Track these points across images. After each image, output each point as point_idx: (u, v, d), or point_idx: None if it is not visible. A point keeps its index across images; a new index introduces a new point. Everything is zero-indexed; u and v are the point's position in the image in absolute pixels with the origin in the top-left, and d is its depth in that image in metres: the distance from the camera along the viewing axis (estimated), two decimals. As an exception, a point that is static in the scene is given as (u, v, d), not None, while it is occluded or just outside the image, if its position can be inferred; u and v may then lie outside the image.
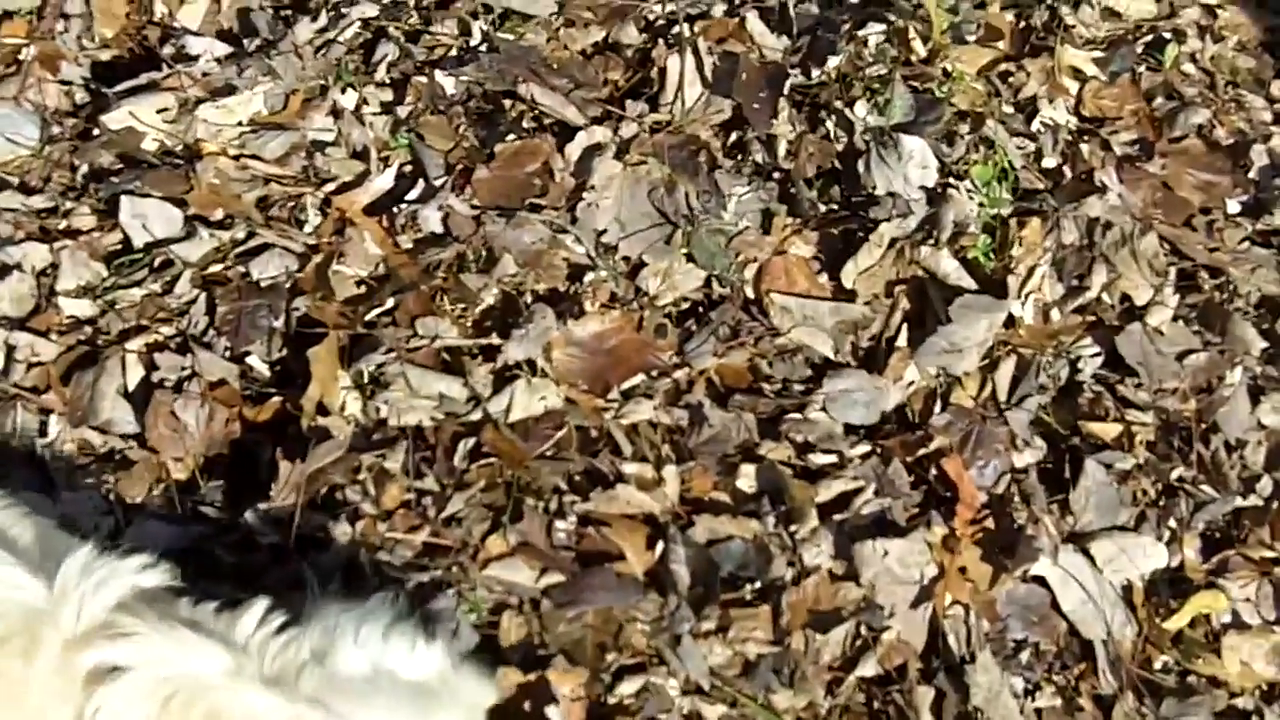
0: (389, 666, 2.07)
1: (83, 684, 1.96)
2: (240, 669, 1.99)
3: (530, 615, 2.74)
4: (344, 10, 3.77)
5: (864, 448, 3.08)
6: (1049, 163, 3.63)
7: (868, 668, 2.74)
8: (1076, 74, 3.81)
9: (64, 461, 3.03)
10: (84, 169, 3.47)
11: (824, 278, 3.37)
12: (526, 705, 2.57)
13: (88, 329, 3.20)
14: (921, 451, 3.07)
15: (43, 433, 3.06)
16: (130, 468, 3.01)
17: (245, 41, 3.75)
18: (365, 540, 2.84)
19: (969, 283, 3.31)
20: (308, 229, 3.38)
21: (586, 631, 2.70)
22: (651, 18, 3.80)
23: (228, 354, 3.16)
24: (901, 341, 3.23)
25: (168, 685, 1.95)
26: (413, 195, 3.44)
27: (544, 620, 2.72)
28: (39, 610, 2.00)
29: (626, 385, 3.13)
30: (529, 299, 3.26)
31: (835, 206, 3.48)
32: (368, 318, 3.21)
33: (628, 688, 2.65)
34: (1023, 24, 3.90)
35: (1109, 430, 3.13)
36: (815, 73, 3.65)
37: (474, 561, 2.80)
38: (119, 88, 3.61)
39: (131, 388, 3.11)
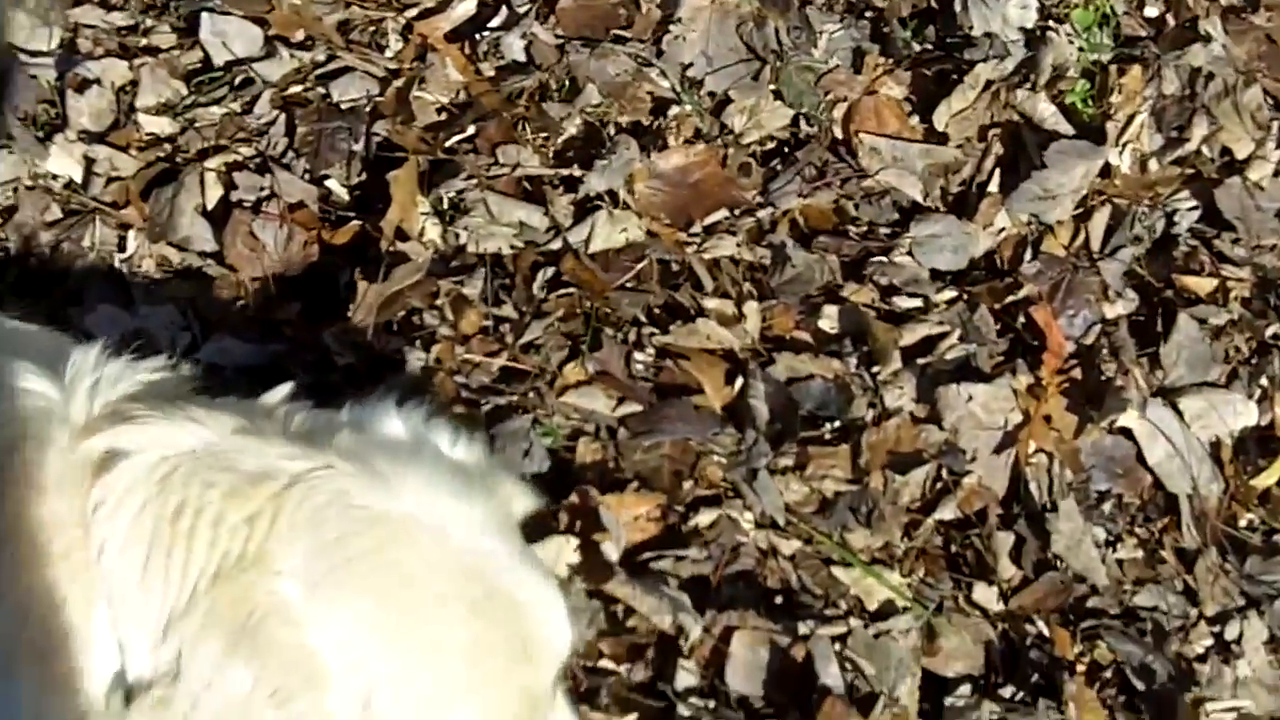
0: (433, 442, 1.97)
1: (92, 472, 1.88)
2: (260, 430, 1.89)
3: (606, 442, 2.73)
4: None
5: (950, 293, 3.05)
6: (1151, 11, 3.54)
7: (947, 511, 2.72)
8: (1183, -80, 3.70)
9: (142, 277, 3.03)
10: (164, -14, 3.43)
11: (915, 120, 3.32)
12: (588, 529, 2.57)
13: (167, 146, 3.19)
14: (1010, 299, 3.03)
15: (121, 247, 3.05)
16: (208, 285, 3.01)
17: None
18: (441, 364, 2.83)
19: (1066, 128, 3.25)
20: (389, 54, 3.35)
21: (663, 461, 2.69)
22: None
23: (307, 176, 3.14)
24: (993, 187, 3.18)
25: (165, 465, 1.86)
26: (496, 22, 3.40)
27: (620, 448, 2.71)
28: (49, 411, 1.93)
29: (709, 220, 3.10)
30: (612, 130, 3.23)
31: (929, 46, 3.41)
32: (448, 144, 3.18)
33: (703, 518, 2.64)
34: None
35: (1203, 285, 3.08)
36: (912, -93, 3.55)
37: (551, 388, 2.79)
38: (200, -96, 3.57)
39: (210, 206, 3.09)
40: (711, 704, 2.38)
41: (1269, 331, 3.02)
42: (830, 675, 2.40)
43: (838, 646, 2.46)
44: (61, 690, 1.88)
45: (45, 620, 1.87)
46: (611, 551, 2.54)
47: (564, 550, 2.51)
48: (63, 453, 1.90)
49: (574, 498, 2.60)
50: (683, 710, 2.39)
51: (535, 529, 2.37)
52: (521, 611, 1.87)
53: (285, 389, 2.01)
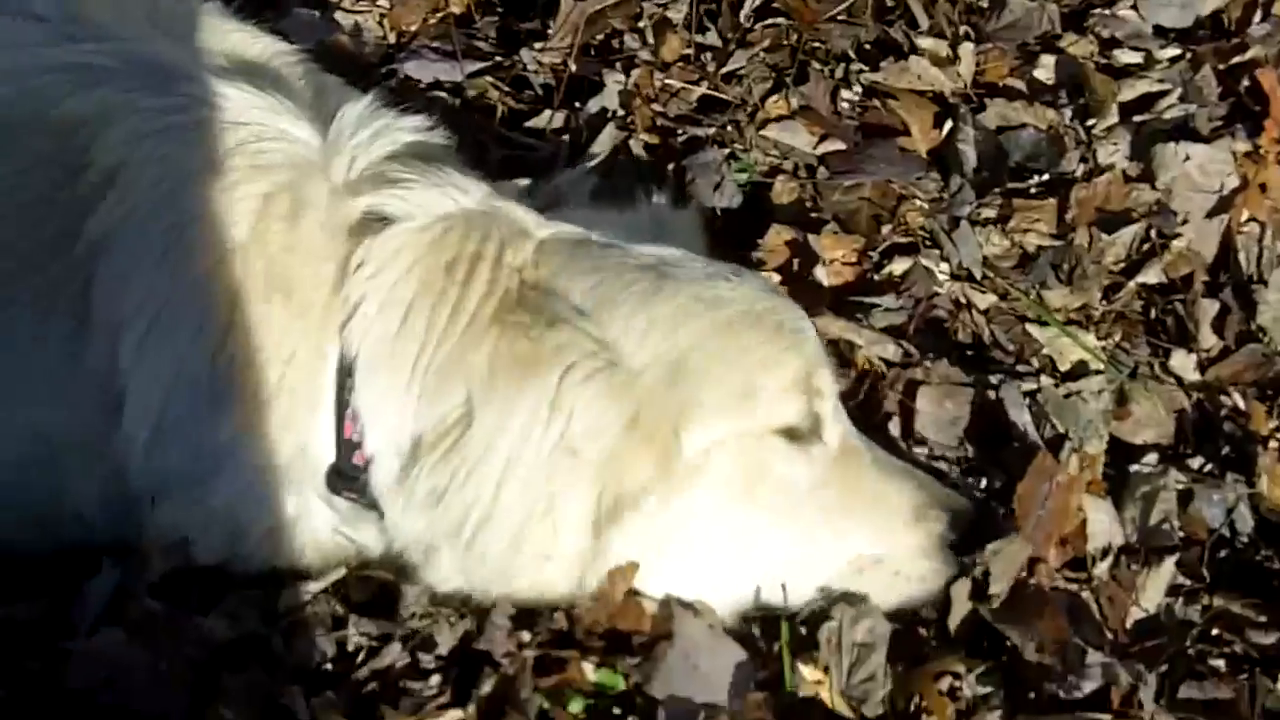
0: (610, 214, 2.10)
1: (348, 234, 1.92)
2: (504, 198, 1.98)
3: (805, 181, 2.66)
4: None
5: (1174, 50, 2.93)
6: None
7: (1151, 275, 2.62)
8: None
9: (340, -16, 3.00)
10: None
11: None
12: (795, 265, 2.51)
13: None
14: (1235, 60, 2.89)
15: (318, -52, 3.01)
16: (408, -5, 2.97)
17: None
18: (639, 90, 2.77)
19: (1309, -118, 3.05)
20: None
21: (862, 204, 2.62)
22: None
23: (509, -113, 3.05)
24: (1227, -57, 3.01)
25: (436, 228, 1.91)
26: None
27: (819, 187, 2.64)
28: (310, 162, 1.96)
29: (929, -48, 2.97)
30: None
31: None
32: None
33: (898, 266, 2.56)
34: None
35: None
36: None
37: (751, 122, 2.72)
38: None
39: (406, -89, 3.02)
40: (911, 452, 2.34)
41: None
42: (1023, 423, 2.34)
43: (1028, 402, 2.39)
44: (266, 438, 1.93)
45: (266, 369, 1.91)
46: (823, 278, 2.49)
47: (766, 284, 2.46)
48: (320, 212, 1.93)
49: (777, 232, 2.54)
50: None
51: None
52: (777, 300, 1.97)
53: (525, 181, 2.16)
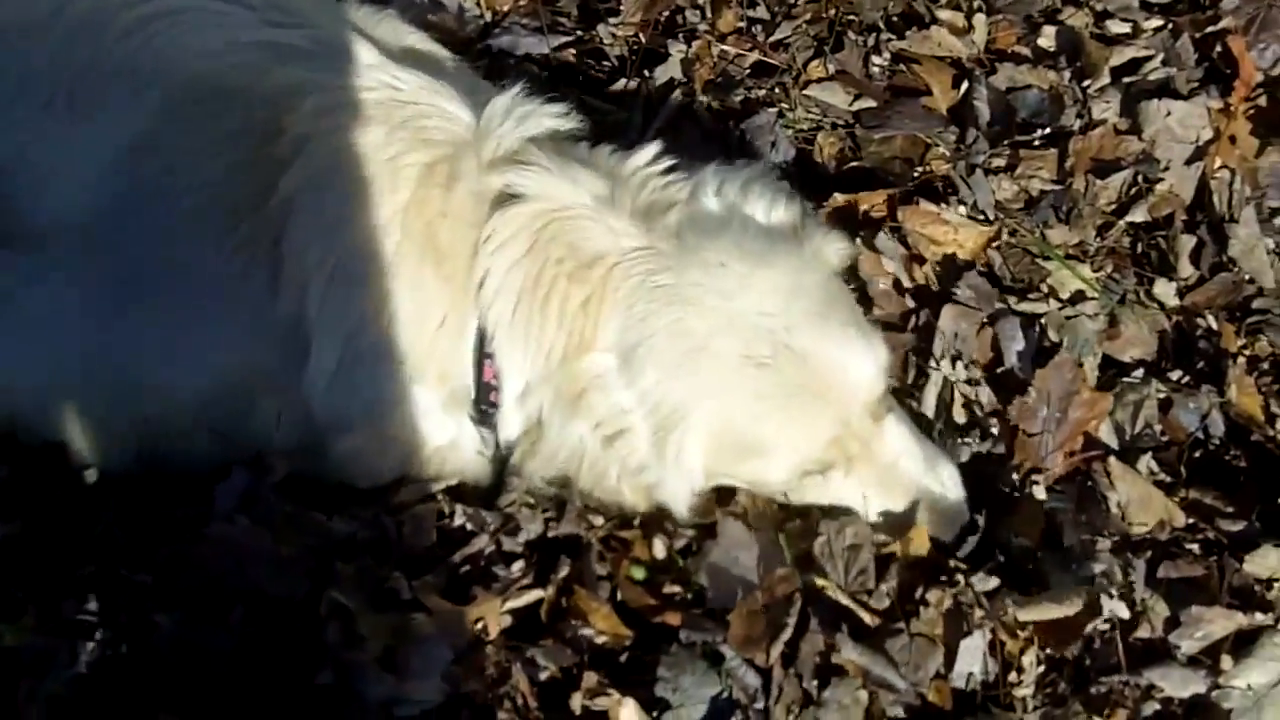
0: (745, 212, 1.84)
1: (490, 205, 1.79)
2: (614, 200, 1.80)
3: (843, 135, 2.45)
4: None
5: (1157, 21, 2.70)
6: None
7: (1138, 214, 2.41)
8: None
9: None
10: None
11: None
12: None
13: None
14: (1209, 29, 2.66)
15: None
16: (501, -25, 2.75)
17: None
18: (700, 59, 2.56)
19: None
20: None
21: (894, 157, 2.42)
22: None
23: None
24: (1203, -79, 2.76)
25: (543, 217, 1.78)
26: None
27: (856, 140, 2.44)
28: (465, 141, 1.82)
29: (945, -66, 2.74)
30: None
31: None
32: None
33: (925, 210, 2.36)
34: None
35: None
36: None
37: (796, 84, 2.52)
38: None
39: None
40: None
41: None
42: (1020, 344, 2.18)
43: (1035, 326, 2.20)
44: (432, 380, 1.85)
45: (423, 330, 1.82)
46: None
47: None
48: (470, 182, 1.81)
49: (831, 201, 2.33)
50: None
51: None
52: (812, 361, 1.76)
53: (652, 150, 1.88)
